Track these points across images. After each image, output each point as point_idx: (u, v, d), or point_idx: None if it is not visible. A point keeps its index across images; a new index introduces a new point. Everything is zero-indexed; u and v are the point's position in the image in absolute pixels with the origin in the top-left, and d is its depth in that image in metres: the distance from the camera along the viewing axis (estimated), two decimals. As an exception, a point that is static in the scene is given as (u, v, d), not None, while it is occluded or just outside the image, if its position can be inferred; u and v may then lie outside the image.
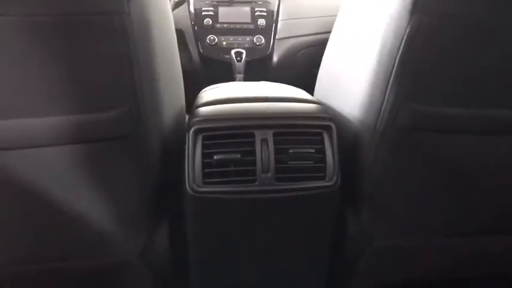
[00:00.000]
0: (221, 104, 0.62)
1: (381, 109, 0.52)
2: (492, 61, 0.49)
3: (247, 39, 1.32)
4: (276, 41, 1.34)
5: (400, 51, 0.48)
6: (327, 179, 0.58)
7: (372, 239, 0.65)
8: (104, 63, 0.45)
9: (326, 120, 0.59)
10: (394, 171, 0.58)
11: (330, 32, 1.36)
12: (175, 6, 1.20)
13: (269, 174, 0.56)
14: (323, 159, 0.58)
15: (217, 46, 1.30)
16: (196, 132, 0.56)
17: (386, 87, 0.51)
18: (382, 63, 0.51)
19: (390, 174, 0.58)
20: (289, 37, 1.35)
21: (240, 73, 1.21)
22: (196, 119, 0.57)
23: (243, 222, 0.62)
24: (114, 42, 0.44)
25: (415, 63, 0.49)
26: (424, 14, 0.46)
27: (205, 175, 0.56)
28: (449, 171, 0.57)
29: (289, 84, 1.59)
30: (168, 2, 0.63)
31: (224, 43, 1.31)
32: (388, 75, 0.50)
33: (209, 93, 0.72)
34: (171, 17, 0.65)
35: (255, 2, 1.35)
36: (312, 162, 0.58)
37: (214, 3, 1.33)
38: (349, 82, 0.61)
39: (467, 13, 0.46)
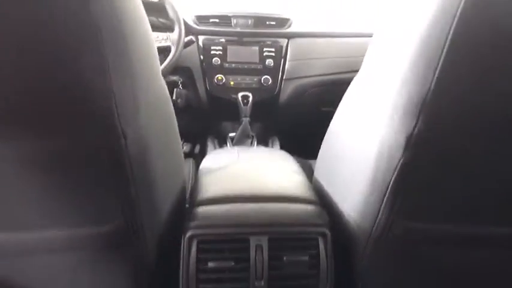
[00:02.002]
0: (217, 204, 0.61)
1: (376, 218, 0.51)
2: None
3: (255, 79, 1.33)
4: (283, 81, 1.34)
5: (394, 174, 0.46)
6: (320, 286, 0.57)
7: None
8: (100, 183, 0.45)
9: (322, 226, 0.58)
10: (387, 281, 0.57)
11: (339, 72, 1.37)
12: (185, 46, 1.21)
13: (262, 282, 0.56)
14: (317, 266, 0.57)
15: (224, 86, 1.31)
16: (191, 238, 0.56)
17: (381, 203, 0.49)
18: (380, 171, 0.49)
19: (383, 283, 0.57)
20: (297, 77, 1.35)
21: (246, 116, 1.22)
22: (191, 224, 0.57)
23: None
24: (110, 166, 0.44)
25: (413, 181, 0.47)
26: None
27: (199, 281, 0.56)
28: (445, 285, 0.56)
29: (296, 123, 1.59)
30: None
31: (232, 83, 1.32)
32: (384, 189, 0.48)
33: (207, 179, 0.70)
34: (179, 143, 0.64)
35: (264, 42, 1.35)
36: (306, 268, 0.58)
37: (223, 41, 1.34)
38: (349, 179, 0.58)
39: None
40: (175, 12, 1.15)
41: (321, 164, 0.72)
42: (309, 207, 0.61)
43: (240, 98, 1.21)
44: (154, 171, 0.50)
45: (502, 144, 0.43)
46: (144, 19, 0.47)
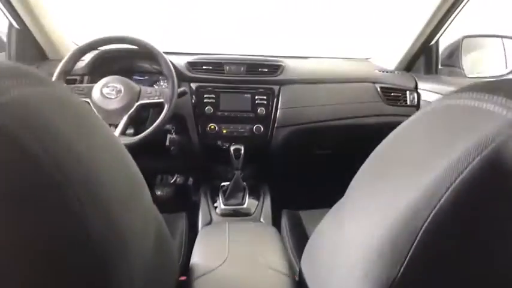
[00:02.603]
0: None
1: None
2: None
3: (247, 127, 1.35)
4: (275, 129, 1.36)
5: None
6: None
7: None
8: None
9: None
10: None
11: (332, 119, 1.39)
12: (178, 96, 1.22)
13: None
14: None
15: (217, 134, 1.33)
16: None
17: None
18: None
19: None
20: (288, 125, 1.37)
21: (237, 169, 1.23)
22: None
23: None
24: None
25: None
26: None
27: None
28: None
29: (288, 167, 1.61)
30: None
31: (224, 131, 1.34)
32: None
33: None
34: None
35: (256, 89, 1.37)
36: None
37: (216, 89, 1.36)
38: None
39: None
40: (169, 68, 1.16)
41: (306, 265, 0.74)
42: None
43: (232, 152, 1.23)
44: None
45: None
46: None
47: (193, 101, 1.34)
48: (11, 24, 1.28)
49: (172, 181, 1.84)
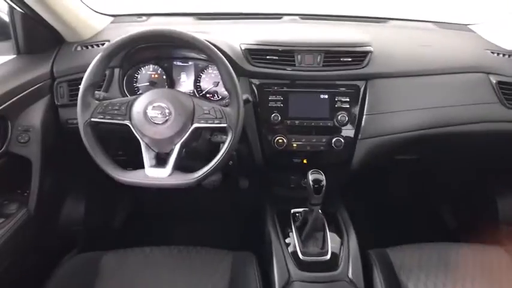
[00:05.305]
0: None
1: None
2: None
3: (324, 140, 1.06)
4: (358, 141, 1.07)
5: None
6: None
7: None
8: None
9: None
10: None
11: (429, 128, 1.06)
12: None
13: None
14: None
15: (286, 150, 1.06)
16: None
17: None
18: None
19: None
20: (376, 136, 1.07)
21: (317, 204, 0.97)
22: None
23: None
24: None
25: None
26: None
27: None
28: None
29: (369, 185, 1.35)
30: None
31: (294, 145, 1.06)
32: None
33: None
34: None
35: (336, 87, 1.05)
36: None
37: (284, 89, 1.05)
38: None
39: None
40: (234, 82, 0.85)
41: None
42: None
43: (311, 183, 0.95)
44: None
45: None
46: None
47: (255, 106, 1.04)
48: (11, 8, 0.95)
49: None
